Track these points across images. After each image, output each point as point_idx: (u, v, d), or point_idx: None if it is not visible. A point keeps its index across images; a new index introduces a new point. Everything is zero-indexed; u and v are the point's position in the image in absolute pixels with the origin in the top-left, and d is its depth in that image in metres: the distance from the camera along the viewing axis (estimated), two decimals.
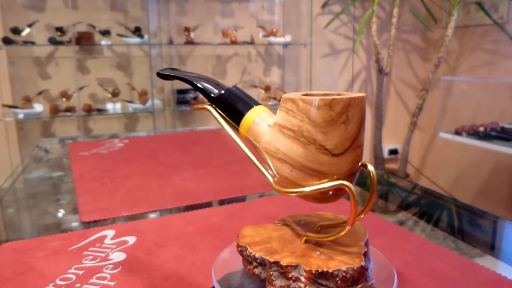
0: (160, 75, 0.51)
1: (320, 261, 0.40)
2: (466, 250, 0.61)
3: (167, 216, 0.71)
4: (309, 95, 0.42)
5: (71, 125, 2.58)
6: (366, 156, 3.26)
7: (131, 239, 0.63)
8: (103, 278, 0.52)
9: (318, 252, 0.42)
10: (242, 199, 0.80)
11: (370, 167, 0.42)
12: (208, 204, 0.77)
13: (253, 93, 2.89)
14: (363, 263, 0.39)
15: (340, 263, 0.39)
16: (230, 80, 2.84)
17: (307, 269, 0.39)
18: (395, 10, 2.68)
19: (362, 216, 0.44)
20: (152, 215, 0.72)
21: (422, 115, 2.93)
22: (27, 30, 2.34)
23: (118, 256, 0.57)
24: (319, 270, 0.38)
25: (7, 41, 2.27)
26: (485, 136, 2.06)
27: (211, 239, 0.62)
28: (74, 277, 0.52)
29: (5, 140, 2.43)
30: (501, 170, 2.65)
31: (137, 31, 2.52)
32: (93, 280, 0.51)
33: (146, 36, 2.49)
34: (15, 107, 2.34)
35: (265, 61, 2.95)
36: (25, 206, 0.82)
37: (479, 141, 2.02)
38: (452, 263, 0.55)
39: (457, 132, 2.14)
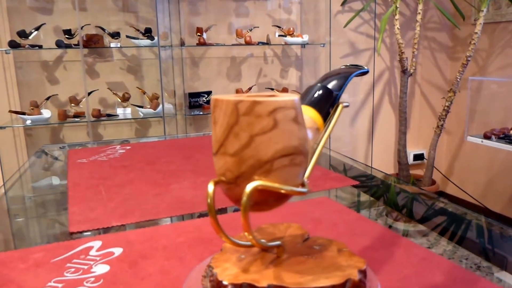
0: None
1: (226, 264, 0.45)
2: (493, 269, 0.59)
3: (158, 226, 0.71)
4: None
5: (80, 131, 2.62)
6: (390, 162, 3.21)
7: (117, 251, 0.63)
8: None
9: (242, 255, 0.46)
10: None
11: (210, 187, 0.42)
12: (204, 214, 0.76)
13: None
14: (243, 284, 0.40)
15: (232, 275, 0.42)
16: (246, 83, 2.85)
17: (212, 266, 0.45)
18: (420, 6, 2.64)
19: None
20: (143, 225, 0.72)
21: (449, 118, 2.87)
22: (34, 33, 2.39)
23: (101, 269, 0.58)
24: (212, 273, 0.44)
25: (14, 45, 2.32)
26: None
27: (200, 251, 0.62)
28: None
29: (13, 146, 2.48)
30: None
31: (148, 33, 2.55)
32: None
33: (156, 38, 2.52)
34: (23, 113, 2.39)
35: (282, 62, 2.94)
36: (16, 215, 0.84)
37: (510, 145, 1.96)
38: (456, 278, 0.53)
39: (487, 136, 2.09)
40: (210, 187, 0.41)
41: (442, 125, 2.74)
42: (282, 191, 0.40)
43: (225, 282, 0.41)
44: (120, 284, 0.54)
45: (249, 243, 0.45)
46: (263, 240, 0.47)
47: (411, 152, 3.18)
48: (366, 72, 0.55)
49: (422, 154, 3.23)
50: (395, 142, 3.16)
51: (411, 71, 2.76)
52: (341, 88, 0.51)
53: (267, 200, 0.41)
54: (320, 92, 0.50)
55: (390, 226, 0.72)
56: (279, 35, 2.77)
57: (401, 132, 2.86)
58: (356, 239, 0.64)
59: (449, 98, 2.68)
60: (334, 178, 0.97)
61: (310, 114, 0.48)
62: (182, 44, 2.66)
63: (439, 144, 2.92)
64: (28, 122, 2.39)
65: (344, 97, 3.14)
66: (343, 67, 0.58)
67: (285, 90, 2.84)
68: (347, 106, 0.51)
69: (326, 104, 0.49)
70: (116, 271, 0.57)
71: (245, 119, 0.39)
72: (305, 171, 0.43)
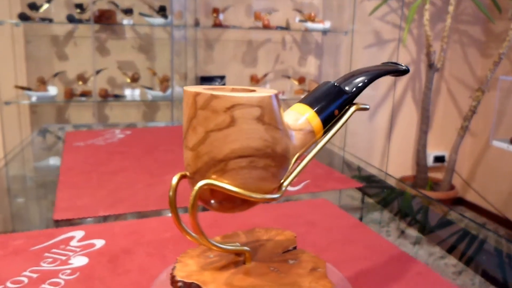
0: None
1: (188, 262, 0.47)
2: None
3: (145, 219, 0.72)
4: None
5: (86, 111, 2.64)
6: (408, 162, 3.18)
7: (99, 243, 0.63)
8: (56, 284, 0.53)
9: (211, 255, 0.48)
10: None
11: (174, 179, 0.42)
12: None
13: (285, 84, 2.87)
14: (192, 283, 0.42)
15: (187, 272, 0.44)
16: (261, 69, 2.84)
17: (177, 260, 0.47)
18: None
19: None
20: (130, 217, 0.73)
21: (475, 119, 2.82)
22: (45, 6, 2.41)
23: (79, 261, 0.58)
24: (174, 266, 0.46)
25: (24, 17, 2.35)
26: None
27: (184, 248, 0.62)
28: (26, 280, 0.54)
29: (17, 124, 2.51)
30: None
31: (162, 11, 2.55)
32: (45, 286, 0.52)
33: (170, 17, 2.52)
34: (29, 89, 2.42)
35: (301, 49, 2.92)
36: (4, 198, 0.85)
37: None
38: None
39: None
40: (174, 179, 0.42)
41: (466, 126, 2.69)
42: (250, 196, 0.40)
43: (177, 278, 0.43)
44: (96, 279, 0.54)
45: (216, 243, 0.44)
46: (237, 243, 0.47)
47: (431, 153, 3.14)
48: (405, 72, 0.51)
49: (443, 156, 3.19)
50: (414, 142, 3.13)
51: (438, 66, 2.71)
52: (359, 87, 0.48)
53: (231, 200, 0.41)
54: (324, 90, 0.47)
55: (402, 232, 0.71)
56: (299, 20, 2.75)
57: (422, 131, 2.83)
58: (348, 247, 0.64)
59: (476, 98, 2.63)
60: (337, 179, 0.96)
61: (306, 115, 0.45)
62: (197, 24, 2.65)
63: (462, 147, 2.88)
64: (34, 98, 2.42)
65: (365, 90, 3.08)
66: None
67: (302, 79, 2.82)
68: (365, 109, 0.48)
69: (330, 104, 0.46)
70: (94, 265, 0.57)
71: (202, 113, 0.39)
72: (280, 176, 0.42)
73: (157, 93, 2.56)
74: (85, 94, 2.51)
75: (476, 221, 0.81)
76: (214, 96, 0.38)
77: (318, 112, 0.46)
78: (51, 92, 2.44)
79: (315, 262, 0.47)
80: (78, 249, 0.61)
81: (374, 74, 0.49)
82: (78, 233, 0.66)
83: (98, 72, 2.50)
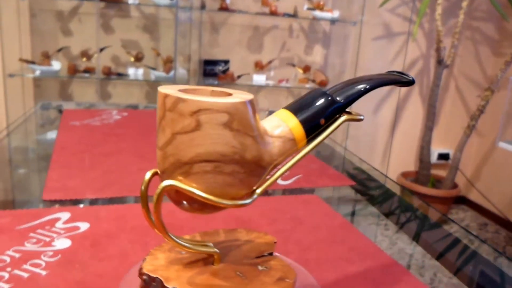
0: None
1: (160, 257, 0.48)
2: None
3: (131, 205, 0.73)
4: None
5: (90, 88, 2.65)
6: (411, 158, 3.18)
7: (84, 226, 0.65)
8: (37, 266, 0.54)
9: (183, 252, 0.49)
10: None
11: (147, 175, 0.43)
12: None
13: (290, 72, 2.86)
14: (156, 278, 0.43)
15: (154, 266, 0.45)
16: (267, 55, 2.83)
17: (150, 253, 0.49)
18: None
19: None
20: (118, 202, 0.74)
21: (482, 119, 2.81)
22: None
23: (62, 243, 0.60)
24: (144, 259, 0.47)
25: None
26: None
27: None
28: (8, 259, 0.55)
29: (20, 96, 2.53)
30: None
31: None
32: (26, 266, 0.54)
33: None
34: (33, 62, 2.43)
35: (308, 37, 2.91)
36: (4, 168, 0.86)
37: None
38: None
39: None
40: (147, 175, 0.43)
41: (473, 126, 2.68)
42: (210, 200, 0.40)
43: (143, 271, 0.44)
44: (77, 263, 0.55)
45: (182, 242, 0.45)
46: (209, 243, 0.47)
47: (435, 150, 3.14)
48: (409, 83, 0.49)
49: (448, 154, 3.18)
50: (419, 138, 3.12)
51: (448, 62, 2.69)
52: (354, 96, 0.46)
53: (198, 202, 0.42)
54: (312, 97, 0.46)
55: (402, 227, 0.72)
56: (307, 8, 2.73)
57: (427, 128, 2.82)
58: (332, 247, 0.64)
59: (485, 97, 2.62)
60: (331, 176, 0.97)
61: (288, 122, 0.44)
62: (203, 7, 2.65)
63: (468, 146, 2.87)
64: (37, 72, 2.43)
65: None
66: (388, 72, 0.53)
67: (307, 67, 2.81)
68: (358, 120, 0.46)
69: (316, 113, 0.45)
70: (77, 248, 0.59)
71: (170, 115, 0.39)
72: (250, 183, 0.42)
73: (161, 73, 2.56)
74: (88, 70, 2.52)
75: (467, 228, 0.82)
76: (180, 99, 0.38)
77: (302, 120, 0.44)
78: (55, 67, 2.45)
79: (284, 272, 0.46)
80: (62, 231, 0.63)
81: (374, 83, 0.48)
82: (64, 215, 0.67)
83: (102, 49, 2.51)
